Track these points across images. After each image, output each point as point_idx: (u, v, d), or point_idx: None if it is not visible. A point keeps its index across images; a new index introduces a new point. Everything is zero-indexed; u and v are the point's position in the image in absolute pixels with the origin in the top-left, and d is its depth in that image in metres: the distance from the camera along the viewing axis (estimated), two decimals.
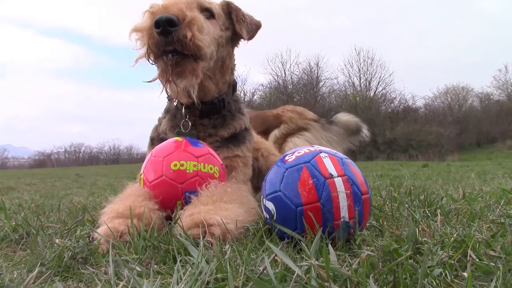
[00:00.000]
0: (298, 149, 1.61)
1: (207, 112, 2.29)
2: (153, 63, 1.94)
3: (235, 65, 2.47)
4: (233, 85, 2.45)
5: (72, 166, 47.36)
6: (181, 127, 2.25)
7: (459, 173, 7.97)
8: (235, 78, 2.50)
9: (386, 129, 32.27)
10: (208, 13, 2.12)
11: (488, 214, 1.82)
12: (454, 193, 2.87)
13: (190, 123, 2.24)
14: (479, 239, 1.20)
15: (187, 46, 1.83)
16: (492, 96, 40.16)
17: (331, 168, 1.46)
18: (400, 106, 37.33)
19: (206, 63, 2.03)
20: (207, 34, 1.95)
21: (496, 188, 3.04)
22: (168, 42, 1.81)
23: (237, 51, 2.47)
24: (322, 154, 1.52)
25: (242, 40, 2.42)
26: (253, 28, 2.39)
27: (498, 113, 37.16)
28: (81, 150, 60.64)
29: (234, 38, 2.39)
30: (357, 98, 35.59)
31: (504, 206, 1.97)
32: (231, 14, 2.32)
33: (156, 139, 2.46)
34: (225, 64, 2.33)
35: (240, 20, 2.30)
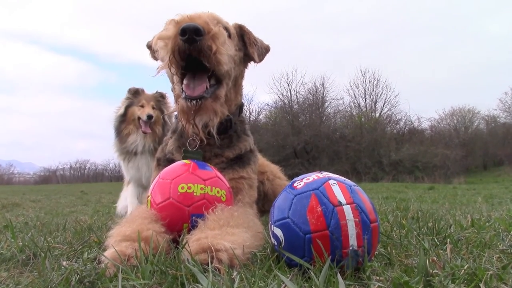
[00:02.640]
0: (307, 175, 1.61)
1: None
2: (174, 73, 1.99)
3: (243, 86, 2.51)
4: (240, 106, 2.48)
5: (77, 183, 47.41)
6: (188, 145, 2.26)
7: (465, 196, 7.90)
8: (242, 99, 2.53)
9: (392, 151, 32.10)
10: (227, 32, 2.15)
11: (498, 243, 1.80)
12: (462, 219, 2.85)
13: (197, 142, 2.26)
14: (491, 272, 1.18)
15: (210, 58, 1.88)
16: (498, 119, 40.03)
17: (340, 196, 1.46)
18: (406, 128, 37.24)
19: (225, 86, 2.10)
20: (228, 50, 2.01)
21: (505, 215, 3.00)
22: (192, 50, 1.85)
23: (245, 73, 2.52)
24: (331, 181, 1.51)
25: (251, 62, 2.47)
26: (263, 51, 2.46)
27: (504, 135, 36.97)
28: (86, 167, 60.78)
29: (245, 59, 2.44)
30: (362, 119, 35.57)
31: None
32: (244, 36, 2.38)
33: (162, 159, 2.46)
34: (237, 83, 2.38)
35: (252, 43, 2.36)
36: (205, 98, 1.98)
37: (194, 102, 1.95)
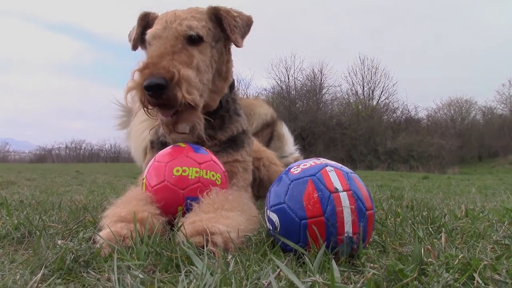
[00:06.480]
0: (304, 161, 1.60)
1: (205, 113, 2.21)
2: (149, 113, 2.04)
3: (232, 66, 2.41)
4: (231, 84, 2.42)
5: (72, 163, 47.31)
6: None
7: (459, 186, 7.97)
8: (233, 76, 2.45)
9: (388, 139, 32.24)
10: (196, 37, 2.06)
11: (492, 234, 1.81)
12: (456, 208, 2.87)
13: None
14: (485, 262, 1.19)
15: (179, 103, 1.89)
16: (495, 110, 40.15)
17: (336, 182, 1.46)
18: (403, 117, 37.37)
19: (201, 104, 2.09)
20: (198, 83, 2.00)
21: (499, 206, 3.03)
22: (160, 100, 1.90)
23: (241, 54, 2.43)
24: (328, 168, 1.51)
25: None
26: (246, 29, 2.30)
27: (500, 127, 37.13)
28: (82, 147, 60.27)
29: (226, 43, 2.33)
30: (359, 107, 35.56)
31: (507, 226, 1.96)
32: (222, 21, 2.21)
33: (156, 142, 2.44)
34: (222, 72, 2.32)
35: (233, 29, 2.19)
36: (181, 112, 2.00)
37: (170, 118, 1.99)
